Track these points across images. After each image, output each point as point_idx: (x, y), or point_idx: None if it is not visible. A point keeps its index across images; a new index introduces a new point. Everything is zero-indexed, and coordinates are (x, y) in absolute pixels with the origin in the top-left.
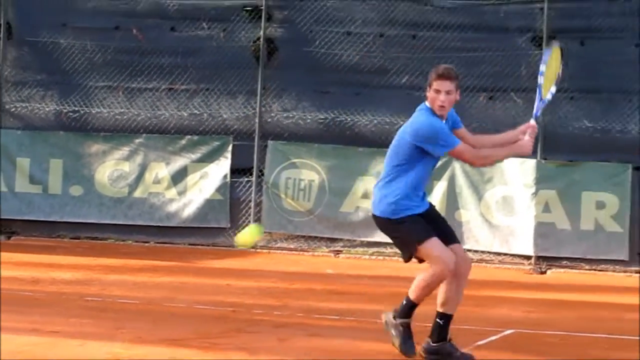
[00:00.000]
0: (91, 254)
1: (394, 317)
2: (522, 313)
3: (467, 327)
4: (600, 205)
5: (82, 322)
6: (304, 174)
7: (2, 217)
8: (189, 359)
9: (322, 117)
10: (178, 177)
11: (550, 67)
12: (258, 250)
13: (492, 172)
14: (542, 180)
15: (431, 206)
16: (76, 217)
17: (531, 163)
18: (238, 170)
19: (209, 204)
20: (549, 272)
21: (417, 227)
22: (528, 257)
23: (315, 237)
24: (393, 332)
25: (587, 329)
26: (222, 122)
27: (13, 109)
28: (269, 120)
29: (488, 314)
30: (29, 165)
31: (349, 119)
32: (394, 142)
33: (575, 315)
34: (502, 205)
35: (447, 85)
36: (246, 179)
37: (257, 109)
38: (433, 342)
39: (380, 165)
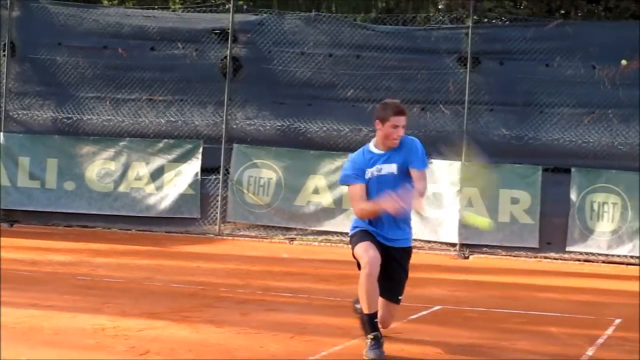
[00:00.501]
0: (82, 240)
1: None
2: (448, 292)
3: (402, 304)
4: (515, 201)
5: (74, 298)
6: (264, 172)
7: (6, 207)
8: (165, 329)
9: (279, 124)
10: (156, 174)
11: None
12: (224, 237)
13: None
14: (465, 180)
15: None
16: (69, 208)
17: (457, 165)
18: (207, 169)
19: (182, 197)
20: (471, 257)
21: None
22: (453, 245)
23: (273, 227)
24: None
25: (503, 305)
26: (194, 128)
27: (16, 116)
28: (234, 126)
29: (419, 292)
30: (28, 164)
31: (302, 126)
32: None
33: (493, 294)
34: (432, 200)
35: (403, 120)
36: (214, 177)
37: (224, 117)
38: None
39: (328, 166)
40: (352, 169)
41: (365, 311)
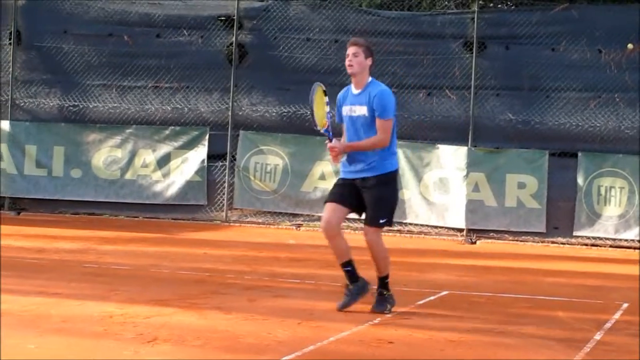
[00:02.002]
0: (89, 227)
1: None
2: (455, 277)
3: (409, 289)
4: (522, 186)
5: (81, 286)
6: (270, 159)
7: (12, 195)
8: (172, 316)
9: (285, 110)
10: (162, 161)
11: (317, 105)
12: (231, 224)
13: (430, 157)
14: (472, 164)
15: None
16: (76, 196)
17: (463, 150)
18: (214, 156)
19: (189, 184)
20: (478, 242)
21: (330, 192)
22: (460, 230)
23: (280, 213)
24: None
25: (510, 290)
26: (200, 115)
27: (22, 104)
28: (240, 113)
29: (426, 278)
30: (35, 152)
31: (308, 112)
32: None
33: (500, 279)
34: (439, 186)
35: (352, 49)
36: (220, 163)
37: (230, 104)
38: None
39: None
40: (336, 107)
41: (338, 262)
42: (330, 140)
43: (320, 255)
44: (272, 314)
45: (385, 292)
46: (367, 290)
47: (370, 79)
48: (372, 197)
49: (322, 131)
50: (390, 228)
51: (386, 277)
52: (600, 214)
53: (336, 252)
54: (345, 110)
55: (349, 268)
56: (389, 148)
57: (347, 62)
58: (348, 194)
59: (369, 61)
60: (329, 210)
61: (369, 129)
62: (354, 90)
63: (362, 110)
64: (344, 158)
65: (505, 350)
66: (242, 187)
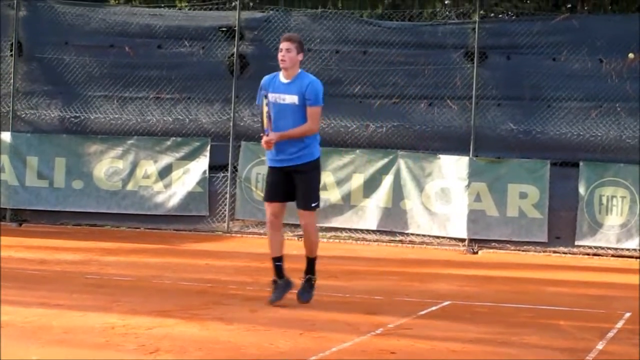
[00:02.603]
0: (90, 239)
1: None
2: (457, 287)
3: (410, 300)
4: (523, 195)
5: (83, 297)
6: None
7: (14, 207)
8: (174, 327)
9: None
10: (164, 172)
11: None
12: (232, 235)
13: (431, 167)
14: (473, 174)
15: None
16: (77, 207)
17: (464, 160)
18: (215, 167)
19: (190, 195)
20: (480, 252)
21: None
22: (462, 240)
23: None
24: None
25: (512, 300)
26: (202, 125)
27: (23, 115)
28: (242, 124)
29: (428, 288)
30: (37, 163)
31: None
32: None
33: (502, 288)
34: (440, 196)
35: (285, 44)
36: (222, 174)
37: (232, 115)
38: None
39: (336, 163)
40: (261, 87)
41: (270, 255)
42: (267, 135)
43: (321, 267)
44: (274, 324)
45: (312, 278)
46: (292, 287)
47: (300, 70)
48: (304, 183)
49: (265, 132)
50: (392, 238)
51: (315, 258)
52: (602, 224)
53: (273, 245)
54: (273, 97)
55: (280, 263)
56: (315, 135)
57: (280, 57)
58: (282, 186)
59: (300, 56)
60: (272, 207)
61: (299, 117)
62: (283, 79)
63: (292, 99)
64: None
65: None
66: (244, 198)
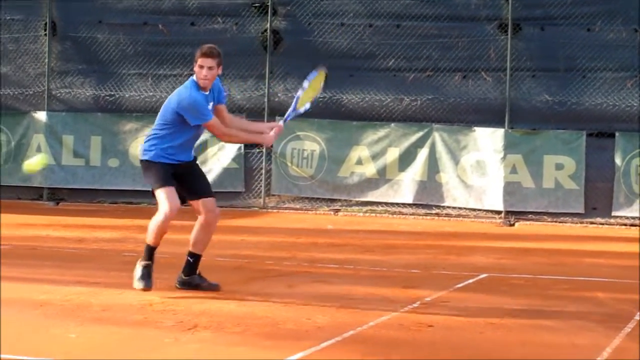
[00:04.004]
0: (127, 216)
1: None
2: (494, 260)
3: (447, 273)
4: (559, 167)
5: (121, 275)
6: (307, 144)
7: (51, 186)
8: (212, 303)
9: (321, 96)
10: (199, 149)
11: (312, 87)
12: (268, 210)
13: (466, 140)
14: (509, 147)
15: (191, 165)
16: (114, 185)
17: (500, 132)
18: (250, 144)
19: (226, 172)
20: (516, 224)
21: (161, 175)
22: (498, 212)
23: (317, 199)
24: (137, 272)
25: (549, 272)
26: (236, 102)
27: (58, 94)
28: (276, 99)
29: (465, 261)
30: (72, 142)
31: (344, 98)
32: (164, 105)
33: (539, 260)
34: (476, 168)
35: (209, 62)
36: (257, 150)
37: (266, 90)
38: (185, 276)
39: (371, 137)
40: (203, 102)
41: (151, 244)
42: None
43: (358, 240)
44: (312, 299)
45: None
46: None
47: None
48: (199, 171)
49: (295, 112)
50: (429, 211)
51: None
52: (639, 194)
53: (162, 234)
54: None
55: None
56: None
57: (200, 75)
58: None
59: (219, 70)
60: (172, 194)
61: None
62: (201, 90)
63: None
64: (171, 149)
65: (545, 332)
66: (280, 174)
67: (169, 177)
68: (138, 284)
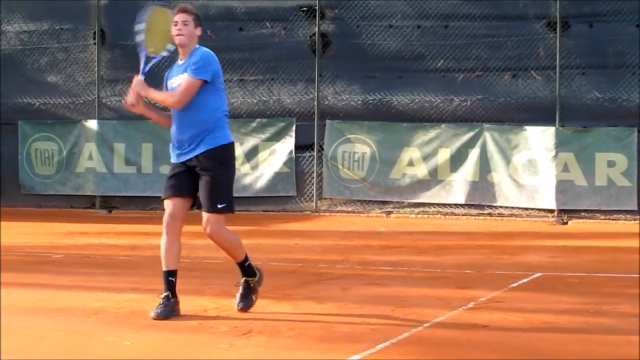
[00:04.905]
0: None
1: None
2: (548, 258)
3: (501, 272)
4: (611, 164)
5: None
6: (357, 147)
7: (103, 194)
8: (266, 307)
9: (371, 98)
10: (251, 154)
11: (154, 23)
12: (321, 214)
13: (517, 139)
14: (560, 145)
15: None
16: None
17: (551, 130)
18: (301, 147)
19: (277, 176)
20: (569, 222)
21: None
22: (551, 211)
23: (369, 201)
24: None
25: (604, 269)
26: (285, 106)
27: (109, 103)
28: (326, 102)
29: (519, 260)
30: (124, 150)
31: (393, 99)
32: None
33: (593, 258)
34: (528, 167)
35: (182, 16)
36: (308, 154)
37: (315, 94)
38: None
39: (421, 138)
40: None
41: (162, 268)
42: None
43: (412, 242)
44: (366, 302)
45: (250, 281)
46: (178, 313)
47: (196, 46)
48: (206, 178)
49: (148, 59)
50: (481, 211)
51: (245, 260)
52: None
53: (168, 256)
54: (171, 83)
55: (173, 279)
56: (218, 120)
57: (175, 31)
58: (185, 181)
59: (198, 30)
60: (171, 205)
61: (196, 98)
62: (179, 61)
63: (183, 78)
64: (173, 141)
65: (601, 330)
66: (331, 177)
67: (170, 180)
68: (152, 312)
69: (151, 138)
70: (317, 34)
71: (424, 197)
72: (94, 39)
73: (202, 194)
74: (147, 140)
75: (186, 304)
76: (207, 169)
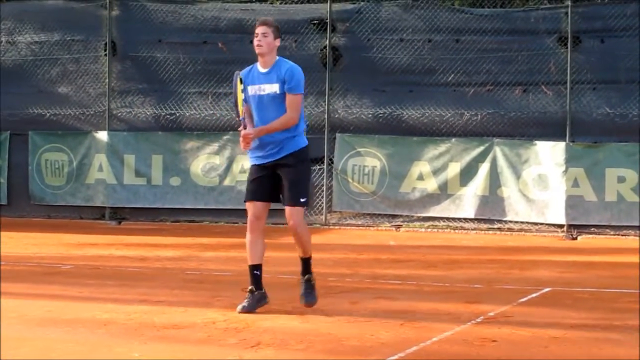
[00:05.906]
0: (189, 235)
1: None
2: (557, 273)
3: (510, 287)
4: (621, 180)
5: (184, 293)
6: (367, 160)
7: (113, 205)
8: (275, 320)
9: (381, 112)
10: None
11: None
12: (330, 227)
13: (528, 154)
14: (571, 160)
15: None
16: (176, 203)
17: (561, 145)
18: (311, 160)
19: None
20: (579, 238)
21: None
22: (561, 226)
23: (379, 214)
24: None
25: (613, 285)
26: None
27: (119, 114)
28: (336, 116)
29: (528, 275)
30: (134, 161)
31: (404, 113)
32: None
33: (602, 274)
34: (538, 182)
35: (262, 29)
36: (318, 167)
37: (326, 107)
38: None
39: (432, 152)
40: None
41: (248, 262)
42: (245, 127)
43: (421, 256)
44: (375, 315)
45: (312, 278)
46: (266, 301)
47: (277, 57)
48: (291, 175)
49: (240, 119)
50: (491, 226)
51: (310, 257)
52: None
53: (252, 251)
54: (253, 89)
55: (259, 272)
56: (298, 126)
57: (255, 42)
58: (266, 185)
59: (277, 42)
60: (254, 207)
61: (279, 107)
62: (261, 69)
63: (272, 88)
64: (255, 144)
65: (611, 345)
66: (341, 190)
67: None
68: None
69: (161, 150)
70: (328, 47)
71: (433, 211)
72: (105, 50)
73: (285, 190)
74: (157, 152)
75: (195, 316)
76: (291, 167)
